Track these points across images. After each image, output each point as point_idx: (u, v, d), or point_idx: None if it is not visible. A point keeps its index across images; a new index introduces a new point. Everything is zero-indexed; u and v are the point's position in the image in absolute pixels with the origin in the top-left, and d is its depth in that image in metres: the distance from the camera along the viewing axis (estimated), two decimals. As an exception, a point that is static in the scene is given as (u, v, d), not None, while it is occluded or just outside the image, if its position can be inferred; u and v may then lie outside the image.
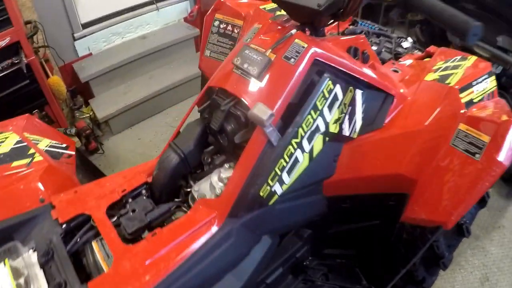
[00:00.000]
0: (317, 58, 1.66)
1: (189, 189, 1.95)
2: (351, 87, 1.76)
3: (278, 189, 1.71)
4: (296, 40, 1.67)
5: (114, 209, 1.83)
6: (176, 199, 1.98)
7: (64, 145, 2.37)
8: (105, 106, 4.87)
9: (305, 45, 1.64)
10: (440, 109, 1.79)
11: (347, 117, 1.80)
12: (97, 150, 4.64)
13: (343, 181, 1.94)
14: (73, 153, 2.37)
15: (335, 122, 1.75)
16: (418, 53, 2.55)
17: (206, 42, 2.70)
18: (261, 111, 1.50)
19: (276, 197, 1.72)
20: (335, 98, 1.71)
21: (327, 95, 1.68)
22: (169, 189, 1.94)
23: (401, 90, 1.98)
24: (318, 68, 1.68)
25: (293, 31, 1.70)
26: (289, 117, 1.64)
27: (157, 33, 5.69)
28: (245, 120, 1.73)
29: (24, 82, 3.72)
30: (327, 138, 1.76)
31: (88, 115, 4.82)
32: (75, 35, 5.05)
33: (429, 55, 2.41)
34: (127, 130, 5.01)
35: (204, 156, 2.00)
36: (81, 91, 5.06)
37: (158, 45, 5.33)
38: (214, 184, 1.81)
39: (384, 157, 1.88)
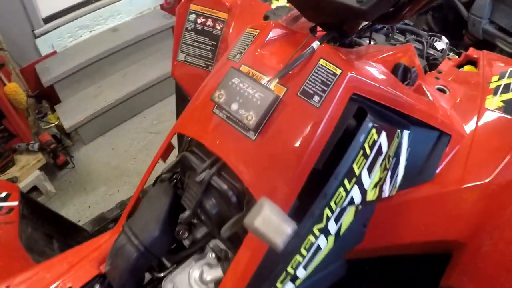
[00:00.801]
0: (356, 92, 1.15)
1: (161, 275, 1.48)
2: (398, 130, 1.27)
3: (290, 287, 1.28)
4: (322, 62, 1.15)
5: None
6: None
7: (3, 195, 1.97)
8: (73, 113, 4.46)
9: (338, 71, 1.13)
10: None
11: (389, 173, 1.31)
12: (67, 164, 4.26)
13: (373, 248, 1.52)
14: (16, 203, 1.88)
15: (375, 186, 1.27)
16: (455, 57, 2.05)
17: (180, 42, 2.16)
18: (273, 228, 0.97)
19: None
20: (379, 152, 1.22)
21: (368, 152, 1.18)
22: (132, 283, 1.45)
23: (456, 124, 1.53)
24: (356, 106, 1.18)
25: (316, 43, 1.17)
26: (309, 191, 1.15)
27: (130, 24, 5.31)
28: (236, 199, 1.24)
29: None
30: (360, 207, 1.30)
31: (55, 124, 4.42)
32: (35, 31, 4.62)
33: (470, 61, 1.96)
34: (100, 138, 4.63)
35: (180, 230, 1.47)
36: (46, 95, 4.67)
37: (132, 38, 4.96)
38: (193, 284, 1.38)
39: (432, 220, 1.47)
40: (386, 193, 1.35)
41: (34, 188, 3.78)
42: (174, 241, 1.51)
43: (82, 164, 4.28)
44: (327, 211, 1.18)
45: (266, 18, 1.62)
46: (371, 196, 1.27)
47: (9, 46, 4.12)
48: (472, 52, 1.97)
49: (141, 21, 5.32)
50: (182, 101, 2.19)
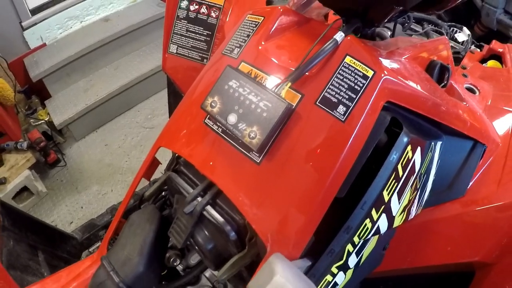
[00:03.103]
0: (391, 100, 0.93)
1: None
2: (433, 143, 1.05)
3: None
4: (349, 60, 0.93)
5: None
6: None
7: None
8: (64, 108, 4.32)
9: (370, 72, 0.90)
10: None
11: (418, 193, 1.10)
12: (58, 161, 4.12)
13: (389, 271, 1.35)
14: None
15: (403, 211, 1.06)
16: (477, 50, 1.91)
17: (171, 32, 1.94)
18: None
19: None
20: (412, 172, 0.99)
21: (401, 174, 0.96)
22: None
23: (490, 131, 1.35)
24: (389, 118, 0.95)
25: (339, 35, 0.95)
26: (327, 223, 0.94)
27: (122, 13, 5.15)
28: (236, 236, 1.03)
29: None
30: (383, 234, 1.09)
31: (45, 120, 4.28)
32: (23, 23, 4.53)
33: (494, 55, 1.81)
34: (92, 134, 4.48)
35: (171, 257, 1.29)
36: (36, 90, 4.55)
37: (124, 28, 4.81)
38: None
39: (460, 241, 1.31)
40: (412, 215, 1.16)
41: (25, 189, 3.64)
42: (164, 268, 1.33)
43: (74, 162, 4.15)
44: (349, 246, 0.98)
45: (269, 3, 1.42)
46: (398, 222, 1.08)
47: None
48: (496, 45, 1.82)
49: (133, 10, 5.17)
50: (174, 97, 2.02)
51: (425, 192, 1.17)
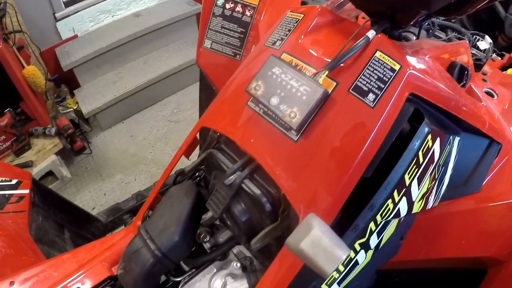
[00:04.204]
0: (414, 92, 1.02)
1: (177, 279, 1.35)
2: (451, 137, 1.14)
3: None
4: (379, 55, 1.01)
5: None
6: None
7: (14, 182, 1.86)
8: (92, 98, 4.38)
9: (397, 66, 0.99)
10: None
11: (436, 184, 1.17)
12: (84, 149, 4.17)
13: (406, 261, 1.40)
14: (27, 191, 1.78)
15: (422, 197, 1.13)
16: (498, 59, 1.95)
17: (206, 28, 2.02)
18: (323, 253, 0.84)
19: None
20: (431, 161, 1.08)
21: (421, 160, 1.04)
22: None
23: (507, 132, 1.40)
24: (412, 108, 1.04)
25: (371, 33, 1.03)
26: (353, 201, 1.02)
27: (153, 9, 5.20)
28: (270, 207, 1.10)
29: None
30: (402, 219, 1.17)
31: (73, 108, 4.34)
32: (56, 15, 4.58)
33: None
34: (118, 125, 4.54)
35: (201, 233, 1.35)
36: (65, 79, 4.60)
37: (154, 24, 4.83)
38: None
39: (474, 236, 1.37)
40: (430, 205, 1.23)
41: (50, 173, 3.71)
42: (194, 244, 1.40)
43: (99, 151, 4.20)
44: (371, 224, 1.06)
45: (304, 3, 1.49)
46: (417, 208, 1.15)
47: (29, 29, 4.05)
48: None
49: (164, 7, 5.20)
50: (206, 90, 2.07)
51: (442, 185, 1.23)
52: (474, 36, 1.92)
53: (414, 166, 1.04)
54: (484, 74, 1.72)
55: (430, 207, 1.24)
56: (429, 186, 1.15)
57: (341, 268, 1.09)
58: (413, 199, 1.11)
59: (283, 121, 1.03)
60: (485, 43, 1.90)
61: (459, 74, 1.25)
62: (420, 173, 1.07)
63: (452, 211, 1.33)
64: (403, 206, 1.09)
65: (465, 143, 1.24)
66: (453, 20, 1.99)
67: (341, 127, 1.00)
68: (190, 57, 4.67)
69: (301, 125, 1.00)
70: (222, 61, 1.82)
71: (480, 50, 1.89)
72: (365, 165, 0.98)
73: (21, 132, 3.60)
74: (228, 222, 1.24)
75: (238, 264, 1.28)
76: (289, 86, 1.04)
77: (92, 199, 3.64)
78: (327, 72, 1.02)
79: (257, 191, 1.10)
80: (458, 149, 1.23)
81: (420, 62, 1.07)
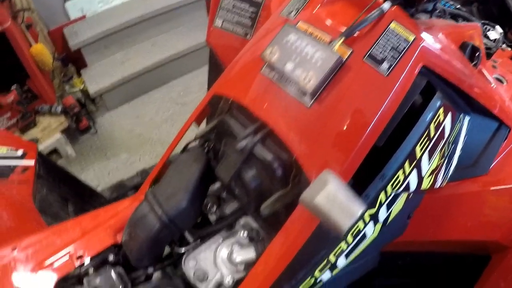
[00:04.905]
0: (426, 65, 1.03)
1: (182, 250, 1.33)
2: (461, 115, 1.16)
3: (326, 276, 1.15)
4: (394, 26, 1.03)
5: (67, 280, 1.27)
6: (165, 262, 1.37)
7: (19, 153, 1.86)
8: (99, 78, 4.37)
9: (411, 37, 1.01)
10: None
11: (445, 161, 1.19)
12: (89, 129, 4.17)
13: (410, 242, 1.42)
14: (32, 163, 1.78)
15: (431, 173, 1.14)
16: (507, 49, 1.99)
17: (217, 7, 2.00)
18: (339, 207, 0.84)
19: (319, 285, 1.17)
20: (441, 136, 1.10)
21: (432, 133, 1.06)
22: (150, 257, 1.32)
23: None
24: (425, 81, 1.06)
25: (386, 4, 1.04)
26: (364, 170, 1.03)
27: None
28: (282, 172, 1.11)
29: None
30: (410, 195, 1.17)
31: (80, 88, 4.34)
32: None
33: None
34: (125, 106, 4.51)
35: (208, 202, 1.34)
36: (73, 59, 4.59)
37: (164, 6, 4.77)
38: (220, 265, 1.23)
39: (480, 218, 1.39)
40: (438, 183, 1.24)
41: (54, 151, 3.73)
42: (200, 214, 1.39)
43: (104, 130, 4.20)
44: (382, 195, 1.06)
45: None
46: (425, 184, 1.16)
47: (38, 8, 4.06)
48: None
49: (174, -10, 5.15)
50: (215, 70, 2.06)
51: (451, 164, 1.24)
52: (485, 26, 1.92)
53: (426, 139, 1.05)
54: (495, 62, 1.73)
55: (438, 186, 1.25)
56: (438, 163, 1.15)
57: (350, 239, 1.09)
58: (423, 174, 1.12)
59: (298, 86, 1.04)
60: (495, 33, 1.90)
61: (471, 54, 1.25)
62: (431, 147, 1.08)
63: (460, 193, 1.34)
64: (413, 179, 1.10)
65: (474, 124, 1.26)
66: (463, 10, 2.00)
67: (355, 93, 1.01)
68: (198, 40, 4.64)
69: (316, 90, 1.01)
70: (233, 40, 1.81)
71: (490, 40, 1.89)
72: (378, 133, 0.99)
73: (27, 109, 3.61)
74: (236, 191, 1.24)
75: (246, 233, 1.27)
76: (304, 53, 1.05)
77: (96, 177, 3.64)
78: (342, 39, 1.03)
79: (269, 156, 1.10)
80: (468, 129, 1.24)
81: (434, 37, 1.08)
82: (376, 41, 1.03)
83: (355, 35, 1.04)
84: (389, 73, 0.99)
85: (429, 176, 1.15)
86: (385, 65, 1.00)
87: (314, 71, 1.01)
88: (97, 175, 3.67)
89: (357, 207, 0.84)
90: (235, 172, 1.16)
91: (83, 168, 3.75)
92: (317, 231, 1.02)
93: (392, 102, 0.99)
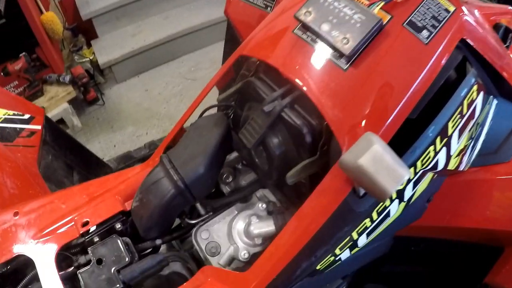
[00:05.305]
0: (465, 38, 1.00)
1: (193, 221, 1.28)
2: (490, 97, 1.15)
3: (345, 255, 1.11)
4: None
5: (70, 248, 1.22)
6: (174, 234, 1.33)
7: (26, 116, 1.82)
8: (109, 50, 4.32)
9: (452, 8, 0.99)
10: None
11: (471, 144, 1.17)
12: (97, 100, 4.14)
13: (426, 227, 1.39)
14: (38, 127, 1.73)
15: (458, 154, 1.11)
16: None
17: (238, -23, 1.99)
18: (385, 170, 0.79)
19: (338, 263, 1.13)
20: (472, 115, 1.07)
21: (465, 111, 1.02)
22: (160, 226, 1.26)
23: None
24: (461, 56, 1.04)
25: None
26: (396, 142, 0.97)
27: None
28: (311, 139, 1.05)
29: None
30: (435, 176, 1.14)
31: (89, 59, 4.27)
32: None
33: None
34: (134, 79, 4.45)
35: (224, 173, 1.29)
36: (83, 30, 4.55)
37: None
38: (236, 237, 1.19)
39: (499, 207, 1.33)
40: (463, 166, 1.21)
41: (60, 121, 3.68)
42: (215, 184, 1.34)
43: (112, 102, 4.16)
44: (411, 170, 1.02)
45: None
46: (452, 164, 1.13)
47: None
48: None
49: (189, -36, 5.08)
50: (231, 43, 2.00)
51: (476, 147, 1.23)
52: None
53: (458, 116, 1.02)
54: None
55: (462, 169, 1.22)
56: (466, 144, 1.13)
57: (375, 216, 1.04)
58: (451, 153, 1.08)
59: (334, 47, 0.99)
60: None
61: (504, 35, 1.25)
62: (462, 125, 1.05)
63: (480, 179, 1.31)
64: (441, 158, 1.06)
65: (501, 109, 1.25)
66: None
67: (393, 59, 0.98)
68: (212, 16, 4.58)
69: (354, 52, 0.97)
70: (252, 12, 1.77)
71: None
72: (414, 103, 0.96)
73: (35, 78, 3.56)
74: (257, 159, 1.19)
75: (264, 205, 1.22)
76: (342, 14, 1.01)
77: (102, 149, 3.62)
78: (382, 3, 0.99)
79: (298, 121, 1.05)
80: (494, 113, 1.24)
81: (472, 13, 1.06)
82: (417, 8, 1.00)
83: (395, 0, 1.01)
84: (429, 41, 0.97)
85: (456, 156, 1.12)
86: (425, 33, 0.97)
87: (352, 33, 0.97)
88: (102, 148, 3.64)
89: (404, 171, 0.80)
90: (261, 136, 1.10)
91: (88, 140, 3.71)
92: (341, 207, 0.97)
93: (431, 70, 0.96)
